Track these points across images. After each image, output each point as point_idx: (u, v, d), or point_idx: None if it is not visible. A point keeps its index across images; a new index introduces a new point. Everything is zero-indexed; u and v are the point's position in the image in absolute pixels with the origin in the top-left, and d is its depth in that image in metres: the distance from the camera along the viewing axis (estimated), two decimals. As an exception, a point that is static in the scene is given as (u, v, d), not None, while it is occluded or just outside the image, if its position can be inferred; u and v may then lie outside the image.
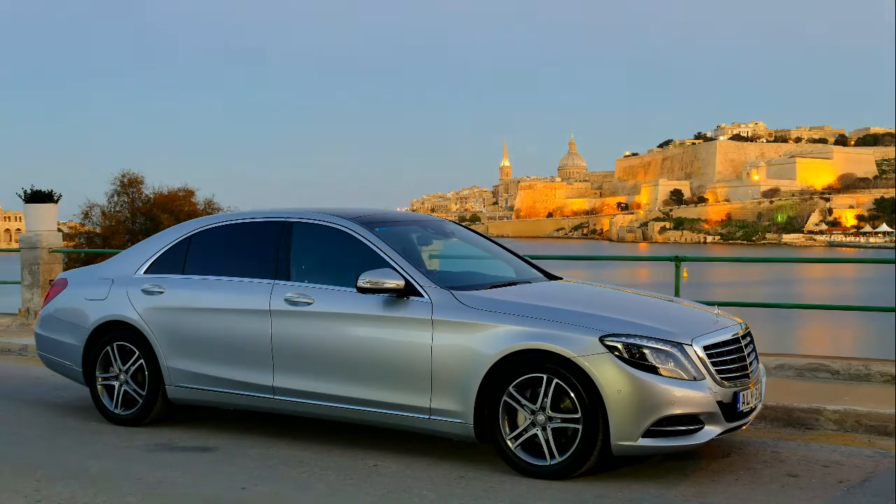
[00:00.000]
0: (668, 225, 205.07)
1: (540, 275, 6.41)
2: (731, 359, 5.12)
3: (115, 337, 6.39)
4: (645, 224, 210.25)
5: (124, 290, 6.43)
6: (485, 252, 6.76)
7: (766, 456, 5.44)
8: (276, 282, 5.83)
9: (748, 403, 5.13)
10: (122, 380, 6.35)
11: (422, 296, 5.33)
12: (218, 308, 6.01)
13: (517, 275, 6.36)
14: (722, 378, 4.98)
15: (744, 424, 5.14)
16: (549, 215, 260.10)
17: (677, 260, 8.45)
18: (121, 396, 6.35)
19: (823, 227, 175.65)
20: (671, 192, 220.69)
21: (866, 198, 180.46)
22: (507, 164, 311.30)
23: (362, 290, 5.37)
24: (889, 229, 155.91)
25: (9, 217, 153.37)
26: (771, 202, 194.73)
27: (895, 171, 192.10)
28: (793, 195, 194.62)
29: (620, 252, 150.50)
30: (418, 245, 6.47)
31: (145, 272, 6.47)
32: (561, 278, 6.44)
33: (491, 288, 5.61)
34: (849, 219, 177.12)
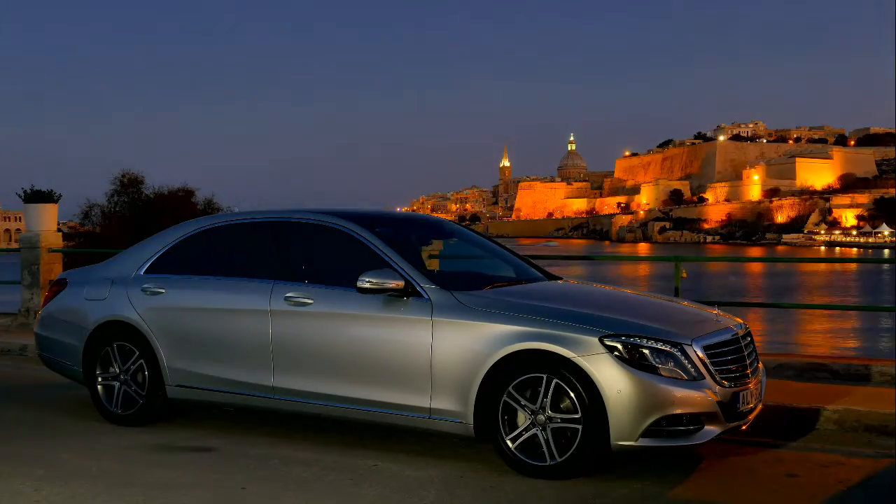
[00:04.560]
0: (667, 225, 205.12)
1: (540, 275, 6.41)
2: (731, 359, 5.12)
3: (115, 337, 6.38)
4: (645, 224, 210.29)
5: (124, 290, 6.42)
6: (485, 252, 6.76)
7: (766, 456, 5.45)
8: (276, 282, 5.83)
9: (748, 403, 5.13)
10: (123, 380, 6.34)
11: (422, 296, 5.33)
12: (218, 308, 6.01)
13: (517, 275, 6.36)
14: (722, 378, 4.97)
15: (744, 424, 5.14)
16: (549, 215, 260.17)
17: (677, 260, 8.45)
18: (121, 396, 6.35)
19: (823, 227, 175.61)
20: (671, 192, 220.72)
21: (866, 198, 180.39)
22: (507, 164, 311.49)
23: (362, 291, 5.37)
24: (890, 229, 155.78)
25: (9, 217, 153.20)
26: (771, 202, 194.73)
27: (895, 171, 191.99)
28: (792, 195, 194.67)
29: (620, 252, 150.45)
30: (418, 245, 6.47)
31: (145, 272, 6.46)
32: (561, 278, 6.44)
33: (491, 288, 5.60)
34: (848, 219, 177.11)
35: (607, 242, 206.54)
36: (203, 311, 6.07)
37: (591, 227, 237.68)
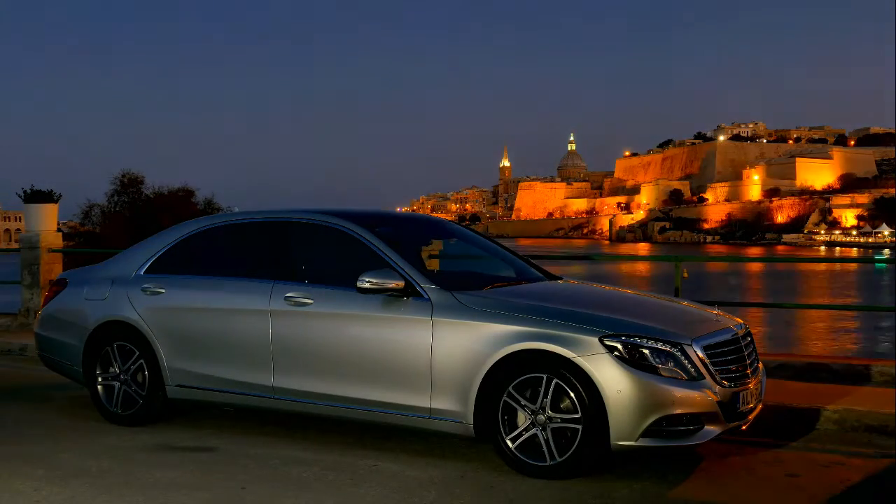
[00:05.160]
0: (667, 225, 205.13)
1: (540, 275, 6.41)
2: (731, 359, 5.12)
3: (115, 337, 6.38)
4: (645, 224, 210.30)
5: (124, 290, 6.42)
6: (485, 252, 6.77)
7: (766, 456, 5.45)
8: (276, 282, 5.83)
9: (748, 403, 5.13)
10: (123, 380, 6.34)
11: (422, 296, 5.33)
12: (218, 308, 6.01)
13: (517, 275, 6.36)
14: (722, 378, 4.97)
15: (744, 424, 5.14)
16: (549, 215, 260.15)
17: (677, 260, 8.44)
18: (121, 396, 6.35)
19: (823, 227, 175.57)
20: (671, 192, 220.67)
21: (866, 198, 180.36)
22: (507, 164, 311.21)
23: (362, 291, 5.37)
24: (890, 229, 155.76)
25: (9, 217, 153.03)
26: (771, 202, 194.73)
27: (895, 171, 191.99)
28: (792, 195, 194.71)
29: (620, 252, 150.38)
30: (418, 245, 6.47)
31: (145, 272, 6.46)
32: (561, 278, 6.45)
33: (491, 288, 5.61)
34: (848, 219, 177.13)
35: (607, 242, 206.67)
36: (203, 311, 6.07)
37: (591, 227, 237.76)
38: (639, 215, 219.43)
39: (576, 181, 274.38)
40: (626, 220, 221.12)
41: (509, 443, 5.00)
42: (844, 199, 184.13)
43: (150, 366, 6.23)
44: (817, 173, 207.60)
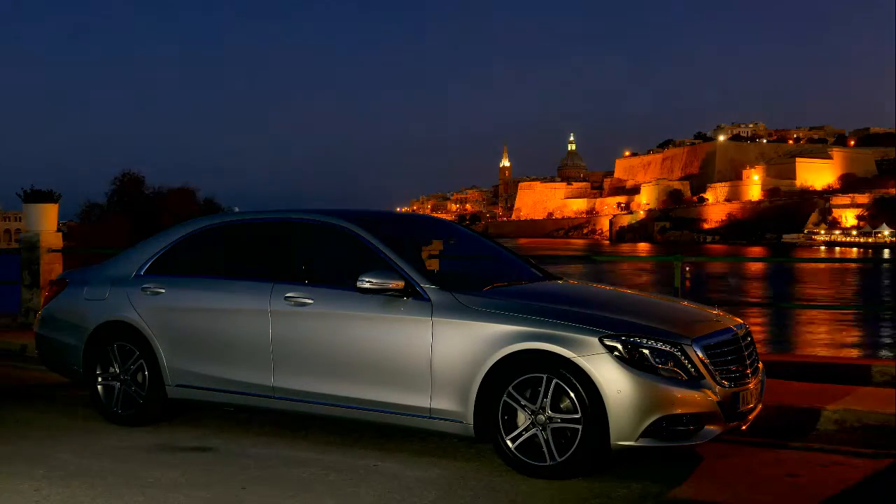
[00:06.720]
0: (667, 225, 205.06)
1: (540, 275, 6.41)
2: (731, 359, 5.12)
3: (115, 337, 6.38)
4: (645, 224, 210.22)
5: (124, 290, 6.42)
6: (485, 252, 6.77)
7: (766, 456, 5.45)
8: (276, 282, 5.83)
9: (748, 403, 5.14)
10: (123, 380, 6.34)
11: (422, 296, 5.33)
12: (218, 308, 6.01)
13: (517, 275, 6.36)
14: (722, 378, 4.98)
15: (744, 424, 5.14)
16: (549, 215, 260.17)
17: (678, 259, 8.44)
18: (121, 396, 6.34)
19: (823, 227, 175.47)
20: (671, 192, 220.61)
21: (866, 198, 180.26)
22: (507, 164, 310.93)
23: (362, 291, 5.37)
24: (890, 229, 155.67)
25: (9, 217, 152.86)
26: (771, 202, 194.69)
27: (895, 171, 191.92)
28: (792, 195, 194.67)
29: (620, 252, 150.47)
30: (418, 245, 6.47)
31: (145, 272, 6.46)
32: (561, 278, 6.45)
33: (491, 288, 5.60)
34: (848, 219, 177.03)
35: (607, 242, 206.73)
36: (203, 312, 6.07)
37: (591, 227, 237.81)
38: (639, 215, 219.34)
39: (576, 181, 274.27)
40: (626, 220, 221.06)
41: (509, 443, 5.00)
42: (844, 199, 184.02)
43: (150, 366, 6.23)
44: (817, 173, 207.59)
